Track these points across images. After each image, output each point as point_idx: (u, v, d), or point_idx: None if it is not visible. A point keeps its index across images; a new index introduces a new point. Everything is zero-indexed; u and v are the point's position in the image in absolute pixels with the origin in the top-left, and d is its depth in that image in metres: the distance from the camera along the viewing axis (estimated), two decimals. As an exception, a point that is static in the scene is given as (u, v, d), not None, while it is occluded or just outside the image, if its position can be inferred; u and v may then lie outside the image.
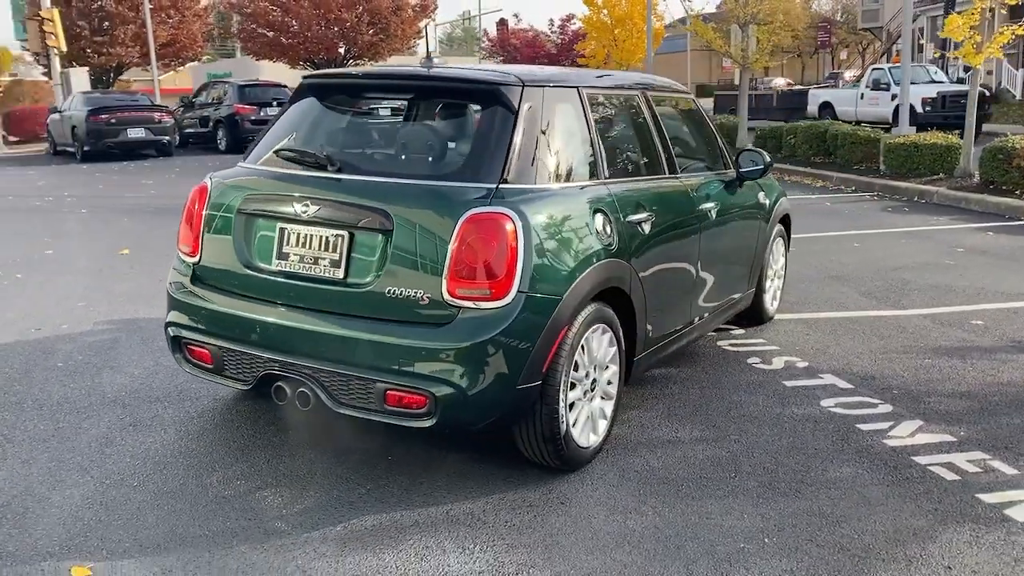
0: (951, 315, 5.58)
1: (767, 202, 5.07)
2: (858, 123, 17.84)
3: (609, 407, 3.45)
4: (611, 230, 3.30)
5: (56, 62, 24.75)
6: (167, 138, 19.73)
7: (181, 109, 23.23)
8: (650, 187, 3.76)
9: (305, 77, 3.60)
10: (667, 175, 3.96)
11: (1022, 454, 3.49)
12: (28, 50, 27.39)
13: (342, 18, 29.62)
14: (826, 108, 21.96)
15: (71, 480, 3.21)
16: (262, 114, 20.38)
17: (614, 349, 3.41)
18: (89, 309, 5.74)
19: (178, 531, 2.84)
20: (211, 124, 21.55)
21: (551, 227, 3.02)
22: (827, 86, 28.54)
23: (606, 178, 3.45)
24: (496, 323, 2.85)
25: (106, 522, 2.90)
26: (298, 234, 3.13)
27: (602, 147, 3.50)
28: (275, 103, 20.55)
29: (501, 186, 2.99)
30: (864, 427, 3.78)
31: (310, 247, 3.10)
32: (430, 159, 3.21)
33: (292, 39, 30.01)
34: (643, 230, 3.53)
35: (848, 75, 34.61)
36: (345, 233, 3.03)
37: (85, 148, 18.93)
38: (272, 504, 3.03)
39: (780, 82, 38.79)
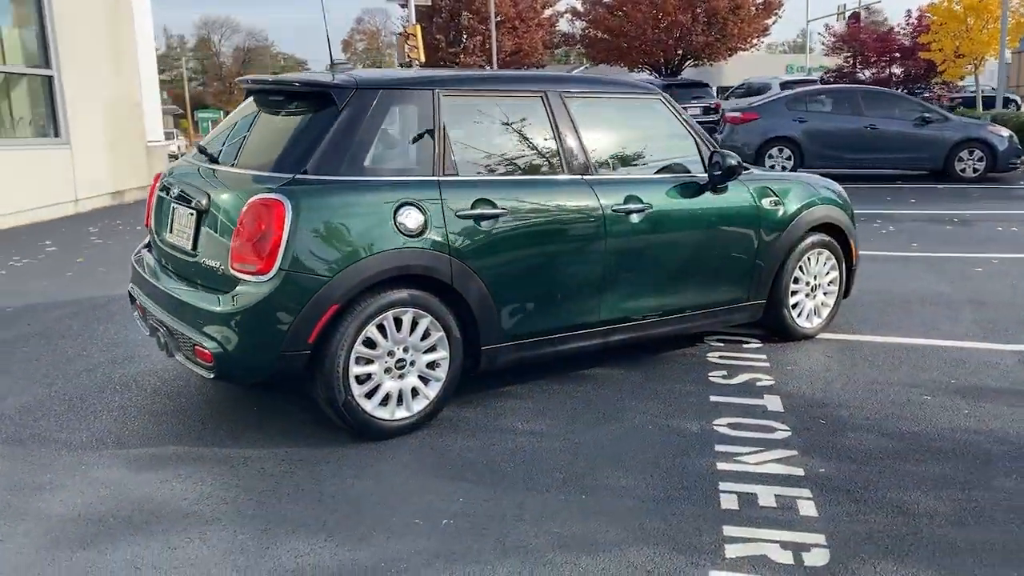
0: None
1: (778, 209, 4.70)
2: None
3: (433, 388, 3.67)
4: (426, 223, 3.53)
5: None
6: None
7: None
8: (515, 186, 3.86)
9: (239, 81, 4.29)
10: (562, 175, 4.00)
11: (863, 502, 3.06)
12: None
13: (677, 20, 29.94)
14: None
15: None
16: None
17: (439, 335, 3.63)
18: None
19: None
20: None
21: (330, 214, 3.37)
22: None
23: (443, 175, 3.66)
24: (259, 295, 3.29)
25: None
26: (178, 212, 3.83)
27: (448, 146, 3.71)
28: (694, 101, 20.53)
29: (298, 176, 3.41)
30: (722, 447, 3.53)
31: (180, 223, 3.78)
32: (268, 153, 3.70)
33: (630, 43, 31.00)
34: (485, 227, 3.68)
35: None
36: (194, 212, 3.66)
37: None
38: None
39: None
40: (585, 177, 4.07)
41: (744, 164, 4.59)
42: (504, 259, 3.76)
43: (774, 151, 13.18)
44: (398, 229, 3.48)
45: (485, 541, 2.80)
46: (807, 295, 5.01)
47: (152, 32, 11.83)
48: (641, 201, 4.17)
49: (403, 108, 3.70)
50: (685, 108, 19.76)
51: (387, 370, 3.56)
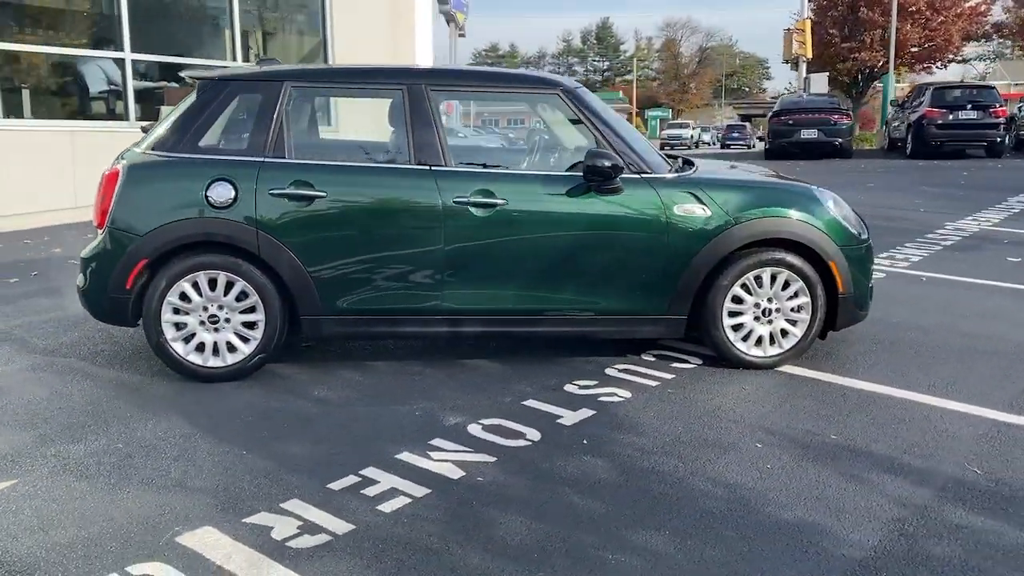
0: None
1: (701, 216, 4.22)
2: None
3: (250, 346, 4.13)
4: (236, 198, 4.00)
5: (803, 68, 27.07)
6: (839, 140, 20.15)
7: (893, 112, 23.05)
8: (340, 171, 4.14)
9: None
10: (404, 164, 4.13)
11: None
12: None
13: None
14: None
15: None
16: (951, 118, 19.06)
17: (255, 298, 4.09)
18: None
19: None
20: (905, 128, 20.99)
21: (148, 184, 4.03)
22: None
23: (269, 157, 4.07)
24: (96, 246, 4.08)
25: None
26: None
27: (284, 132, 4.10)
28: (970, 106, 18.95)
29: (146, 151, 4.12)
30: (439, 443, 3.48)
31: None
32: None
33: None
34: (299, 206, 4.02)
35: None
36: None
37: (767, 147, 20.93)
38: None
39: None
40: (433, 168, 4.15)
41: (675, 160, 4.25)
42: (319, 237, 4.07)
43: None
44: (206, 200, 4.01)
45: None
46: (757, 319, 4.39)
47: (431, 48, 13.36)
48: (493, 196, 4.13)
49: (250, 98, 4.20)
50: (953, 112, 17.05)
51: (202, 323, 4.12)
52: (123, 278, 4.05)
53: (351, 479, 3.14)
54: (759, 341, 4.41)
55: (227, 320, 4.13)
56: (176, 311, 4.10)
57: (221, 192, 4.03)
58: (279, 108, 4.15)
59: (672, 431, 3.63)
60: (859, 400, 4.01)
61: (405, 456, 3.35)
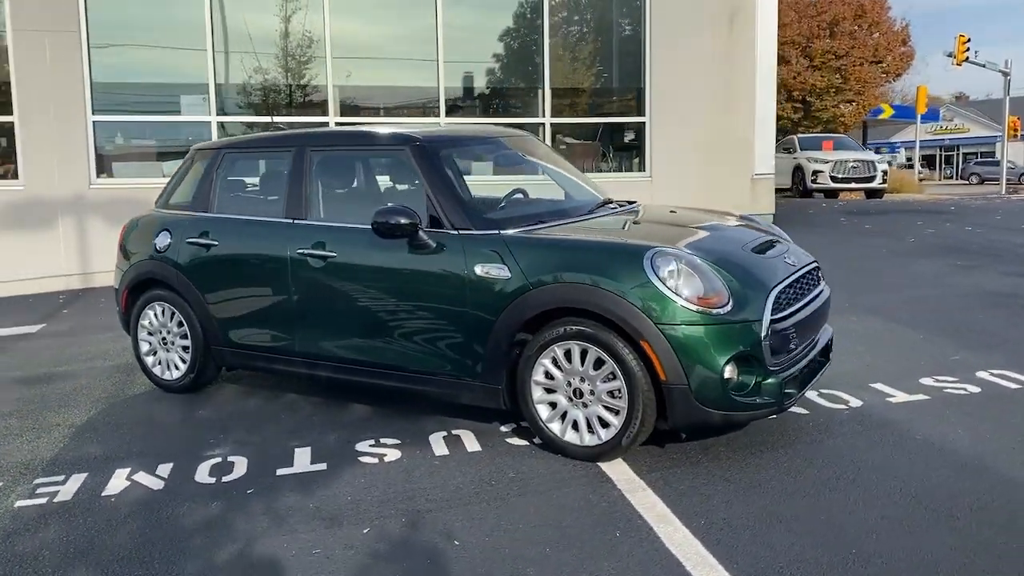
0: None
1: (502, 279, 3.86)
2: None
3: (186, 366, 5.03)
4: (170, 244, 4.95)
5: None
6: None
7: None
8: (229, 224, 4.77)
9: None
10: (276, 218, 4.59)
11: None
12: None
13: None
14: None
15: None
16: None
17: (184, 328, 4.99)
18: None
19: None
20: None
21: (134, 232, 5.19)
22: None
23: (197, 212, 4.92)
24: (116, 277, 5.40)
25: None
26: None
27: (214, 190, 4.91)
28: None
29: (155, 207, 5.33)
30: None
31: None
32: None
33: None
34: (200, 252, 4.80)
35: None
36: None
37: None
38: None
39: None
40: (295, 221, 4.55)
41: (481, 218, 4.03)
42: (212, 279, 4.81)
43: None
44: (154, 246, 5.04)
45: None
46: (570, 399, 3.81)
47: (774, 79, 12.08)
48: (325, 248, 4.37)
49: (201, 163, 5.10)
50: None
51: (161, 341, 5.14)
52: (120, 299, 5.32)
53: (53, 475, 3.88)
54: (576, 426, 3.81)
55: (172, 342, 5.09)
56: (147, 331, 5.20)
57: (161, 239, 5.02)
58: (215, 171, 5.00)
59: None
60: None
61: (119, 468, 3.94)
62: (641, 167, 11.27)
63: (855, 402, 4.41)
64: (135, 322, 5.23)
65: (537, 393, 3.86)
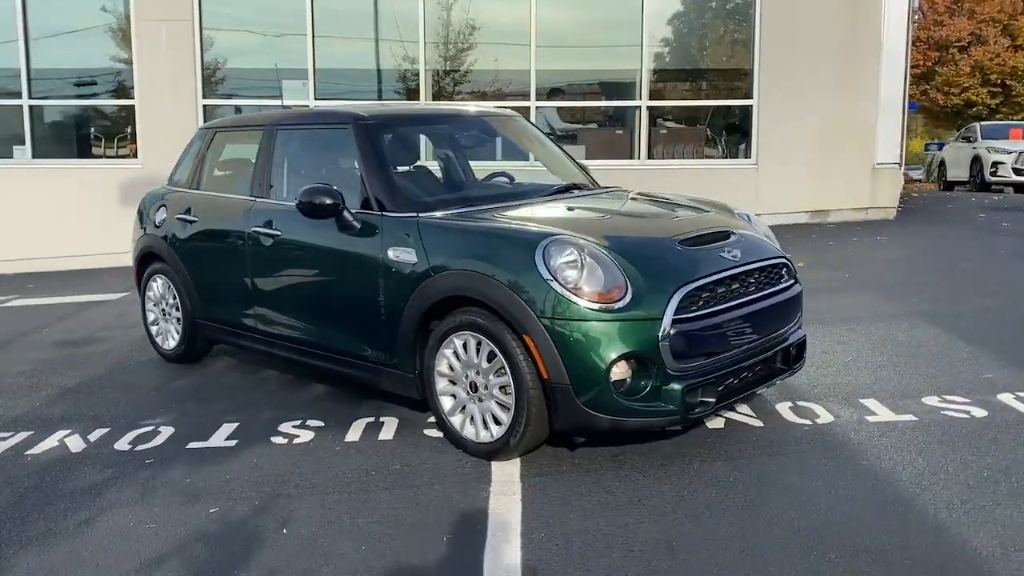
0: None
1: (410, 264, 3.72)
2: None
3: (179, 336, 5.23)
4: (165, 218, 5.14)
5: None
6: None
7: None
8: (206, 201, 4.90)
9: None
10: (244, 196, 4.65)
11: None
12: None
13: None
14: None
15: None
16: None
17: (176, 301, 5.18)
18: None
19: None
20: None
21: (144, 206, 5.43)
22: None
23: (188, 189, 5.09)
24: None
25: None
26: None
27: (204, 168, 5.05)
28: None
29: (166, 185, 5.57)
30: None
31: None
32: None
33: None
34: (184, 227, 4.96)
35: None
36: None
37: None
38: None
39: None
40: (257, 199, 4.60)
41: (409, 200, 3.95)
42: (192, 253, 4.96)
43: None
44: (153, 221, 5.27)
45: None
46: (467, 393, 3.62)
47: (905, 61, 10.68)
48: (272, 227, 4.39)
49: (198, 143, 5.25)
50: None
51: (162, 312, 5.37)
52: (133, 271, 5.61)
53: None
54: (471, 419, 3.61)
55: (169, 313, 5.31)
56: (152, 302, 5.44)
57: (159, 215, 5.24)
58: (204, 150, 5.15)
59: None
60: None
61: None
62: (747, 153, 10.57)
63: (825, 418, 3.90)
64: (143, 292, 5.50)
65: (441, 384, 3.70)
